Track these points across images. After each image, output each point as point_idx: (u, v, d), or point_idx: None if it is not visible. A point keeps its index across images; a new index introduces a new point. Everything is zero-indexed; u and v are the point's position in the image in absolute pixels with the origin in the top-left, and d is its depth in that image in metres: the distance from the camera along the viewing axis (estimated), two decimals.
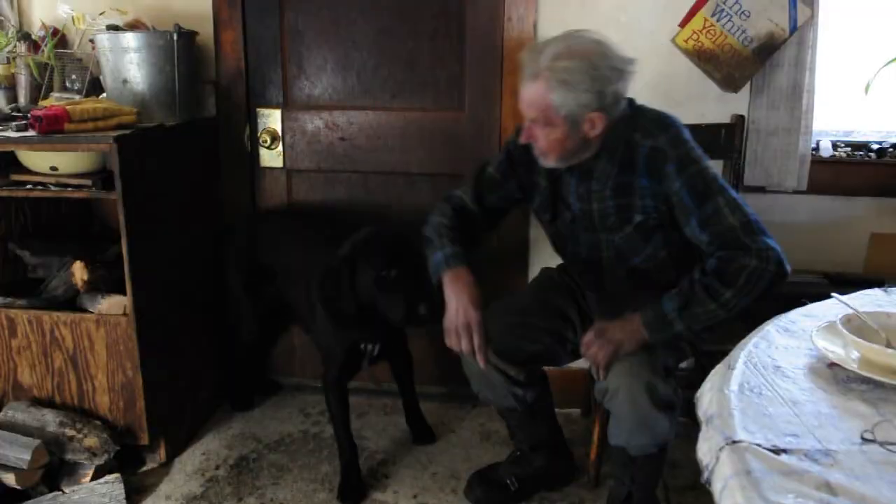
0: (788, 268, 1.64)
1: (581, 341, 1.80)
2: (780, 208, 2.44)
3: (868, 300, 1.45)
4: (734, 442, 0.96)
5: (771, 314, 1.43)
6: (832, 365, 1.17)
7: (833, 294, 1.38)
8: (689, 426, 1.29)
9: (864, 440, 0.96)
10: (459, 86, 2.50)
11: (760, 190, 2.41)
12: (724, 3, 2.28)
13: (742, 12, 2.28)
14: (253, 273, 2.44)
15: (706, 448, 1.00)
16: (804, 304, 1.46)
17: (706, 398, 1.12)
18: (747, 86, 2.35)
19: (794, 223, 2.45)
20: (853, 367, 1.14)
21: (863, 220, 2.43)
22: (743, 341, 1.28)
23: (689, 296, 1.65)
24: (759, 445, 0.95)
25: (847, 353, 1.19)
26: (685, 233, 1.72)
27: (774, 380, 1.13)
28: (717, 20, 2.30)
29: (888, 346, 1.19)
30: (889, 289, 1.54)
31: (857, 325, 1.22)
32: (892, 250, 2.43)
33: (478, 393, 2.05)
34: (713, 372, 1.20)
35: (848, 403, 1.07)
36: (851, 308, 1.27)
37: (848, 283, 2.21)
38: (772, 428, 0.99)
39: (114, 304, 2.16)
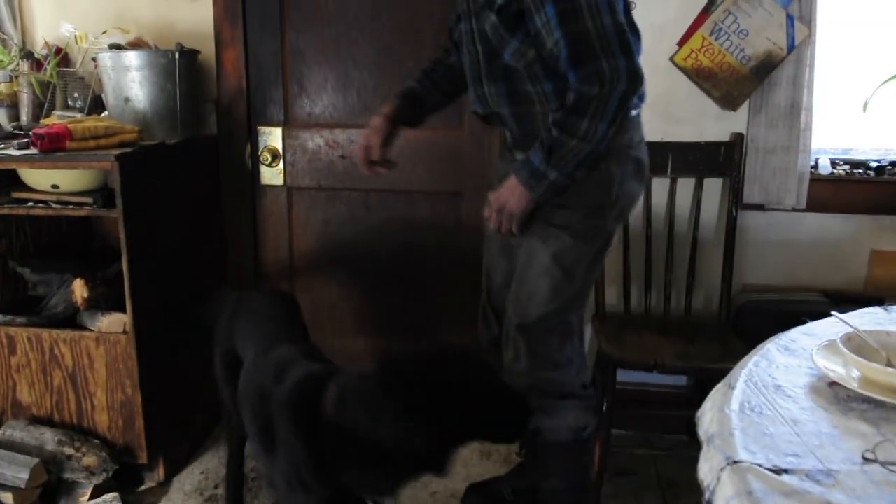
0: (641, 81, 1.61)
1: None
2: (780, 226, 2.45)
3: (868, 318, 1.44)
4: (735, 462, 0.96)
5: (771, 332, 1.43)
6: (833, 384, 1.17)
7: (833, 312, 1.38)
8: (691, 446, 1.29)
9: (866, 460, 0.96)
10: (459, 104, 2.51)
11: (760, 207, 2.42)
12: (722, 22, 2.30)
13: (740, 31, 2.30)
14: (229, 360, 1.89)
15: (707, 468, 1.00)
16: (804, 322, 1.46)
17: (707, 417, 1.12)
18: (746, 104, 2.36)
19: (794, 241, 2.46)
20: (854, 386, 1.14)
21: (862, 237, 2.44)
22: (743, 360, 1.28)
23: (551, 141, 1.64)
24: (760, 466, 0.94)
25: (848, 372, 1.19)
26: (537, 23, 1.61)
27: (775, 399, 1.13)
28: (716, 39, 2.32)
29: (889, 364, 1.19)
30: (889, 307, 1.54)
31: (857, 344, 1.21)
32: (892, 268, 2.44)
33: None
34: (714, 391, 1.20)
35: (849, 423, 1.06)
36: (851, 327, 1.26)
37: (848, 301, 2.22)
38: (773, 448, 0.99)
39: (114, 322, 2.16)
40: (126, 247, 2.05)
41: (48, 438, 2.16)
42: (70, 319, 2.23)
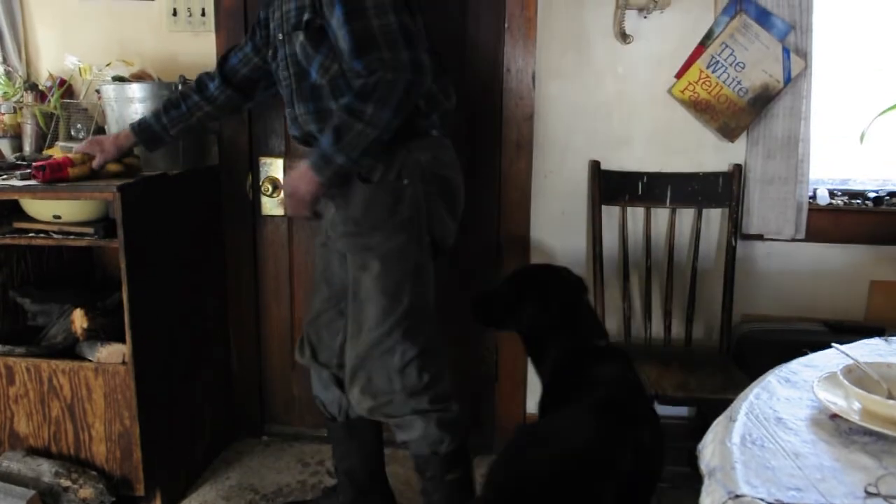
0: (424, 72, 1.67)
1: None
2: (779, 256, 2.45)
3: (869, 350, 1.44)
4: (737, 496, 0.95)
5: (772, 363, 1.43)
6: (834, 416, 1.16)
7: (833, 344, 1.38)
8: (694, 477, 1.28)
9: (868, 494, 0.95)
10: (459, 136, 2.52)
11: (759, 238, 2.43)
12: (718, 54, 2.33)
13: (737, 64, 2.32)
14: None
15: (709, 502, 0.99)
16: (805, 353, 1.46)
17: (708, 450, 1.11)
18: (744, 135, 2.38)
19: (794, 271, 2.46)
20: (855, 418, 1.13)
21: (862, 267, 2.44)
22: (744, 392, 1.27)
23: (339, 125, 1.68)
24: (762, 500, 0.93)
25: (849, 404, 1.18)
26: (333, 27, 1.71)
27: (776, 432, 1.12)
28: (713, 71, 2.34)
29: (890, 397, 1.19)
30: (890, 338, 1.54)
31: (858, 376, 1.21)
32: (892, 298, 2.44)
33: (316, 396, 2.16)
34: (715, 423, 1.19)
35: (851, 456, 1.06)
36: (852, 358, 1.26)
37: (848, 332, 2.21)
38: (775, 482, 0.98)
39: (113, 353, 2.15)
40: (126, 277, 2.05)
41: (45, 470, 2.14)
42: (69, 350, 2.23)
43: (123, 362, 2.13)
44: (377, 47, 1.64)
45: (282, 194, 1.87)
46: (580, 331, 1.96)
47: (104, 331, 2.20)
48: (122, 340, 2.11)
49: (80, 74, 2.50)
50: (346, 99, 1.69)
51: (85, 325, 2.18)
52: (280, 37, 1.85)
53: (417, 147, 1.83)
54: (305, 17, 1.75)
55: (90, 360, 2.17)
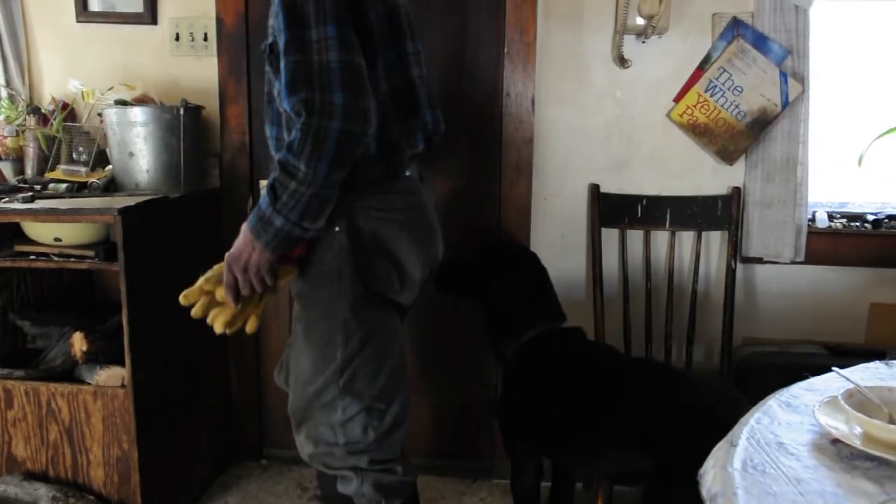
0: (362, 121, 1.45)
1: None
2: (779, 279, 2.45)
3: (869, 373, 1.44)
4: None
5: (773, 386, 1.42)
6: (836, 441, 1.16)
7: (833, 367, 1.38)
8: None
9: None
10: (458, 159, 2.54)
11: (759, 261, 2.43)
12: (716, 79, 2.34)
13: (735, 88, 2.34)
14: None
15: None
16: (806, 377, 1.45)
17: (710, 476, 1.10)
18: (742, 158, 2.39)
19: (794, 293, 2.46)
20: (857, 443, 1.13)
21: (862, 290, 2.44)
22: (745, 417, 1.26)
23: (273, 182, 1.49)
24: None
25: (850, 428, 1.18)
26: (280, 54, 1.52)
27: (778, 457, 1.11)
28: (711, 95, 2.36)
29: (891, 421, 1.18)
30: (890, 361, 1.53)
31: (859, 401, 1.21)
32: (892, 320, 2.44)
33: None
34: (716, 448, 1.19)
35: (853, 482, 1.05)
36: (853, 382, 1.26)
37: (848, 354, 2.21)
38: None
39: (112, 376, 2.14)
40: (126, 300, 2.05)
41: (42, 494, 2.13)
42: (68, 373, 2.22)
43: (122, 385, 2.13)
44: (310, 86, 1.43)
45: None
46: (549, 310, 1.99)
47: (104, 354, 2.20)
48: (122, 363, 2.11)
49: (83, 98, 2.52)
50: (282, 153, 1.49)
51: (84, 347, 2.17)
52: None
53: (359, 194, 1.64)
54: (269, 39, 1.60)
55: (89, 384, 2.16)
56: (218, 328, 1.66)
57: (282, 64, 1.48)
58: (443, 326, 2.64)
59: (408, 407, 1.80)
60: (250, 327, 1.69)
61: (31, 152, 2.51)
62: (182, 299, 1.64)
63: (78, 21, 2.59)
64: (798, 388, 1.39)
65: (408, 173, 1.73)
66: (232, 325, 1.65)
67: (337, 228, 1.63)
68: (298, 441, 1.79)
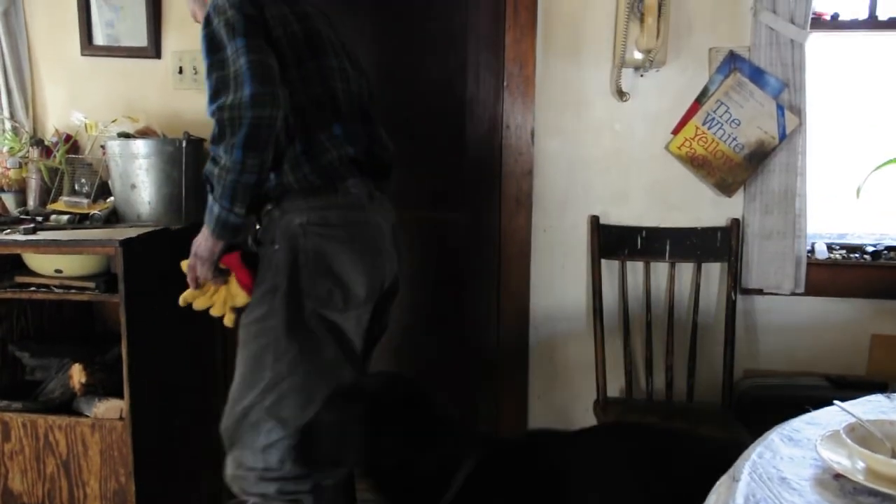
0: (267, 105, 1.55)
1: None
2: (779, 310, 2.45)
3: (871, 407, 1.43)
4: None
5: (774, 418, 1.42)
6: (838, 476, 1.15)
7: (835, 401, 1.37)
8: None
9: None
10: (458, 191, 2.56)
11: (758, 292, 2.43)
12: (714, 112, 2.37)
13: (732, 121, 2.36)
14: None
15: None
16: (807, 410, 1.45)
17: None
18: (741, 190, 2.41)
19: (794, 325, 2.46)
20: (860, 478, 1.12)
21: (862, 321, 2.44)
22: (747, 451, 1.26)
23: (207, 174, 1.63)
24: None
25: (853, 463, 1.17)
26: None
27: (781, 492, 1.10)
28: (709, 128, 2.38)
29: (893, 455, 1.18)
30: (892, 395, 1.52)
31: (861, 435, 1.20)
32: (893, 351, 2.43)
33: None
34: (718, 483, 1.18)
35: None
36: (854, 416, 1.25)
37: (850, 387, 2.21)
38: None
39: (111, 408, 2.13)
40: (126, 332, 2.05)
41: None
42: (66, 405, 2.21)
43: (121, 418, 2.11)
44: (226, 93, 1.57)
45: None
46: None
47: (103, 386, 2.19)
48: (121, 395, 2.10)
49: (86, 130, 2.54)
50: (211, 146, 1.64)
51: (83, 379, 2.17)
52: None
53: (293, 208, 1.69)
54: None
55: (87, 416, 2.15)
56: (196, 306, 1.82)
57: (206, 86, 1.63)
58: (438, 356, 2.64)
59: None
60: (226, 321, 1.81)
61: (33, 184, 2.53)
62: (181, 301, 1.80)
63: (83, 54, 2.62)
64: (800, 422, 1.38)
65: (353, 189, 1.74)
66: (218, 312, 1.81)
67: (276, 246, 1.68)
68: (227, 462, 1.77)
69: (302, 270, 1.67)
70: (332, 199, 1.71)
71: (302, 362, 1.68)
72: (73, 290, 2.13)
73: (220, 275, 1.74)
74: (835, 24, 2.41)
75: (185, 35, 2.56)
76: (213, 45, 1.62)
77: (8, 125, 2.64)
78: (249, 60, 1.57)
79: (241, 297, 1.76)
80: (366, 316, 1.78)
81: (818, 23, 2.37)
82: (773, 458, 1.23)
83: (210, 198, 1.64)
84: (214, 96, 1.60)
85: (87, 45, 2.62)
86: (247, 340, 1.72)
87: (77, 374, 2.18)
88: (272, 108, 1.55)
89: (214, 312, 1.80)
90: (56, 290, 2.13)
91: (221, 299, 1.79)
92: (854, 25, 2.42)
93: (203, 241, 1.69)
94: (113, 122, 2.50)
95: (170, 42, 2.59)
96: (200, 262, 1.71)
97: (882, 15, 2.40)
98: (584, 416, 2.53)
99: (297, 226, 1.68)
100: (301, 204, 1.69)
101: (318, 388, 1.68)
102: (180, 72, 2.59)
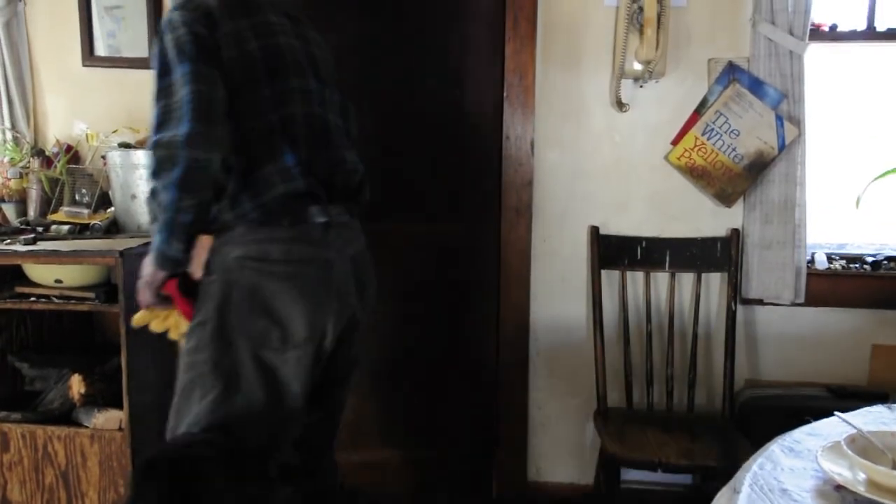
0: (203, 147, 1.48)
1: None
2: (779, 320, 2.45)
3: (872, 418, 1.43)
4: None
5: (775, 429, 1.42)
6: (839, 487, 1.15)
7: (835, 412, 1.37)
8: None
9: None
10: (458, 202, 2.56)
11: (759, 302, 2.43)
12: (713, 122, 2.37)
13: (731, 131, 2.37)
14: None
15: None
16: (808, 421, 1.45)
17: None
18: (741, 200, 2.41)
19: (795, 335, 2.45)
20: (860, 489, 1.12)
21: (863, 331, 2.44)
22: (748, 462, 1.26)
23: (151, 206, 1.57)
24: None
25: (854, 474, 1.17)
26: None
27: None
28: (708, 139, 2.38)
29: (894, 467, 1.17)
30: (892, 405, 1.52)
31: (862, 446, 1.20)
32: (894, 361, 2.43)
33: None
34: (719, 495, 1.18)
35: None
36: (855, 427, 1.25)
37: (851, 397, 2.21)
38: None
39: (110, 419, 2.13)
40: (126, 342, 2.05)
41: None
42: (66, 415, 2.20)
43: (120, 429, 2.11)
44: (167, 127, 1.51)
45: None
46: None
47: (102, 396, 2.19)
48: (120, 406, 2.10)
49: (87, 141, 2.55)
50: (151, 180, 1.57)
51: (83, 390, 2.16)
52: None
53: (232, 240, 1.60)
54: None
55: (86, 427, 2.15)
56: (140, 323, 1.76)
57: (152, 113, 1.55)
58: (440, 366, 2.63)
59: None
60: (172, 335, 1.75)
61: (34, 194, 2.53)
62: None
63: (84, 65, 2.63)
64: (800, 433, 1.38)
65: (302, 223, 1.63)
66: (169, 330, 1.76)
67: (213, 277, 1.60)
68: None
69: (235, 306, 1.58)
70: (276, 232, 1.60)
71: (223, 403, 1.57)
72: (73, 301, 2.13)
73: (164, 301, 1.68)
74: (833, 35, 2.42)
75: None
76: (162, 66, 1.56)
77: (9, 135, 2.65)
78: (192, 91, 1.50)
79: (184, 325, 1.71)
80: (307, 358, 1.64)
81: (817, 34, 2.38)
82: (774, 469, 1.23)
83: (155, 232, 1.57)
84: (157, 129, 1.53)
85: (89, 55, 2.63)
86: (182, 369, 1.64)
87: (76, 385, 2.17)
88: (207, 151, 1.49)
89: (171, 336, 1.75)
90: (56, 300, 2.13)
91: (173, 324, 1.74)
92: (852, 36, 2.43)
93: (147, 267, 1.63)
94: (114, 132, 2.51)
95: None
96: (144, 286, 1.65)
97: (880, 26, 2.41)
98: (585, 427, 2.53)
99: (234, 259, 1.59)
100: (242, 237, 1.60)
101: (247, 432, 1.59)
102: None
